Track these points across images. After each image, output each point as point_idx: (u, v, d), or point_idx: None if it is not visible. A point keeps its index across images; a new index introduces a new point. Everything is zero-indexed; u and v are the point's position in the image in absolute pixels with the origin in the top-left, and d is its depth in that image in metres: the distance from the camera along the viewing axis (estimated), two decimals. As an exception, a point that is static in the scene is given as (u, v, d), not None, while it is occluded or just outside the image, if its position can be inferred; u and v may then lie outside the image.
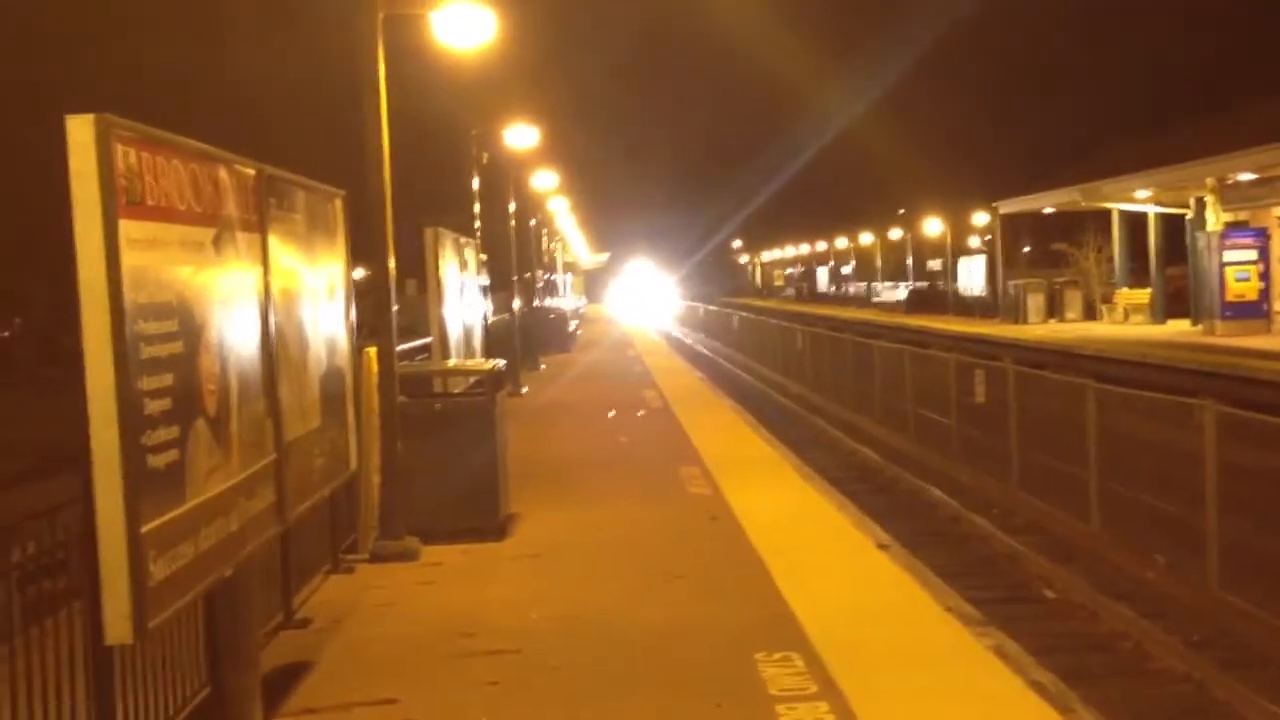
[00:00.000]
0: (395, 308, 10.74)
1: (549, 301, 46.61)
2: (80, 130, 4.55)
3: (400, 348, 11.50)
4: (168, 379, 4.96)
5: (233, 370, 5.76)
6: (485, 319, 20.38)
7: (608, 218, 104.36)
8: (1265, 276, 31.30)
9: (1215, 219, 33.09)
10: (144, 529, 4.66)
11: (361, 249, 9.83)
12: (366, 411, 10.09)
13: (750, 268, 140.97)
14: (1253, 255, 31.28)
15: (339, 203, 8.31)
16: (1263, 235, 31.57)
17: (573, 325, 45.98)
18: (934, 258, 76.01)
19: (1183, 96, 64.45)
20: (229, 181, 5.86)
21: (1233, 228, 32.55)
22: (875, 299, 70.14)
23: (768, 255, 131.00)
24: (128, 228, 4.66)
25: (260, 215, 6.33)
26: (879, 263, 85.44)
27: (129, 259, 4.65)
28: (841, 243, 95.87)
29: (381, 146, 10.40)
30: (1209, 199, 33.37)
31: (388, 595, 9.06)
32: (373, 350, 10.26)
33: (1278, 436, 11.18)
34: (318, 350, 7.47)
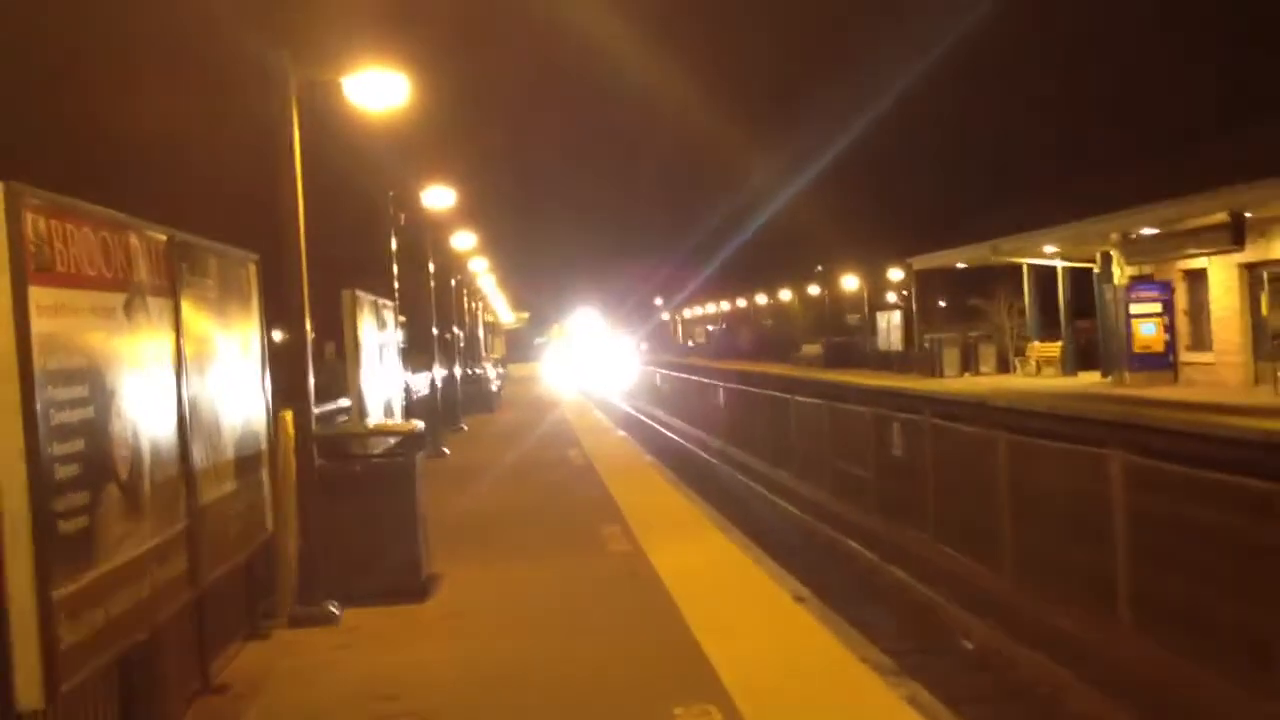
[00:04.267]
0: (312, 370, 10.71)
1: (470, 362, 46.48)
2: (-11, 198, 4.57)
3: (318, 410, 11.45)
4: (79, 444, 4.96)
5: (145, 435, 5.76)
6: (405, 382, 20.33)
7: (535, 277, 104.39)
8: (1170, 328, 32.13)
9: (1120, 273, 33.91)
10: (55, 594, 4.64)
11: (278, 312, 9.83)
12: (284, 474, 10.04)
13: (672, 324, 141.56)
14: (1157, 308, 32.12)
15: (253, 266, 8.34)
16: (1167, 288, 32.42)
17: (495, 386, 45.87)
18: (853, 313, 76.94)
19: (1088, 151, 66.19)
20: (140, 247, 5.89)
21: (1138, 281, 33.38)
22: (795, 354, 70.71)
23: (689, 312, 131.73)
24: (37, 294, 4.69)
25: (172, 280, 6.35)
26: (799, 318, 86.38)
27: (39, 325, 4.67)
28: (761, 299, 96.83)
29: (297, 209, 10.40)
30: (1114, 254, 34.20)
31: (307, 660, 8.98)
32: (289, 413, 10.22)
33: (1182, 484, 11.50)
34: (232, 414, 7.46)
